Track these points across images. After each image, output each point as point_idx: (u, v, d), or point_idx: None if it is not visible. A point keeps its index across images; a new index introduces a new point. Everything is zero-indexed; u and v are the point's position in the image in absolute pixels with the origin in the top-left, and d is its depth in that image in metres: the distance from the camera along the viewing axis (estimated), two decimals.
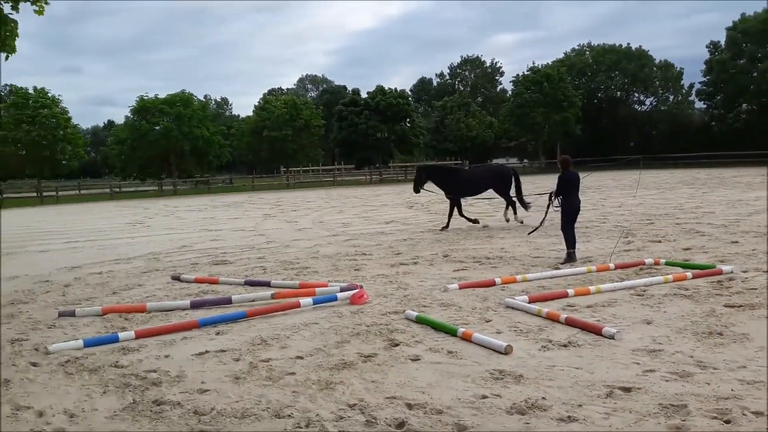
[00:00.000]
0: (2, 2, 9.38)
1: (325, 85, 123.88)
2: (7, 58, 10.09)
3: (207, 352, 7.02)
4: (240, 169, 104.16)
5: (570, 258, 11.98)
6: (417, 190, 19.15)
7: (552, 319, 7.72)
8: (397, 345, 6.99)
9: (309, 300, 9.01)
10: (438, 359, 6.46)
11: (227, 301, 9.37)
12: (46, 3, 9.69)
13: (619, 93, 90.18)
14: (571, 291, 9.08)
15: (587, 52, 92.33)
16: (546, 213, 12.89)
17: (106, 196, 54.41)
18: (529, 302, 8.51)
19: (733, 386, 5.40)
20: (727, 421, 4.73)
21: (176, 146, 65.00)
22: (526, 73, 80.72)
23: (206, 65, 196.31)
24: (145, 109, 65.52)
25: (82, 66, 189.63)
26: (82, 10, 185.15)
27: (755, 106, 73.03)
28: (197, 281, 11.44)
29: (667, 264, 11.20)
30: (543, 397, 5.31)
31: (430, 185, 19.22)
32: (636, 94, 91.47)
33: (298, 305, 8.82)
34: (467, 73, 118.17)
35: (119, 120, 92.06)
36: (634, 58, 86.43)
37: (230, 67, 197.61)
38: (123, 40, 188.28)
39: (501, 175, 19.27)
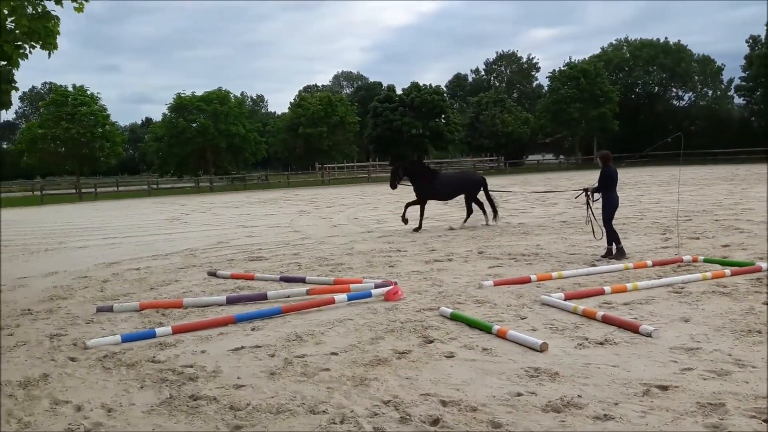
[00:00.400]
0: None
1: (360, 82, 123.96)
2: (49, 55, 10.26)
3: (243, 347, 7.08)
4: (275, 166, 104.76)
5: (621, 253, 11.86)
6: (394, 186, 18.54)
7: (588, 316, 7.65)
8: (431, 342, 6.98)
9: (344, 296, 9.04)
10: (472, 356, 6.44)
11: (263, 297, 9.43)
12: (86, 0, 9.82)
13: (656, 88, 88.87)
14: (607, 288, 9.00)
15: (624, 47, 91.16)
16: (590, 208, 12.71)
17: (143, 193, 55.09)
18: (565, 299, 8.44)
19: None
20: (766, 420, 4.65)
21: (213, 143, 65.53)
22: (562, 68, 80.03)
23: (242, 63, 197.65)
24: (182, 106, 66.14)
25: (121, 64, 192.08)
26: (120, 9, 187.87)
27: None
28: (233, 277, 11.55)
29: (705, 261, 11.05)
30: (579, 395, 5.27)
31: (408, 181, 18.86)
32: (674, 90, 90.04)
33: (332, 301, 8.86)
34: (503, 69, 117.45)
35: (157, 117, 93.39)
36: (672, 52, 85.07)
37: (266, 65, 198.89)
38: (160, 39, 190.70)
39: (472, 181, 19.09)
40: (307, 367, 6.31)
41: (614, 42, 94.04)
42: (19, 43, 9.86)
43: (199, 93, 67.55)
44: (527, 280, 9.93)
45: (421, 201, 18.43)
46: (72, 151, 61.74)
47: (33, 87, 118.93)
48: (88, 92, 63.67)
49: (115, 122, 68.21)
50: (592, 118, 75.73)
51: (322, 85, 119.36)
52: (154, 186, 60.32)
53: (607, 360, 6.14)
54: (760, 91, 74.91)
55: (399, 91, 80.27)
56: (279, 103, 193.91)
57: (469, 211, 18.80)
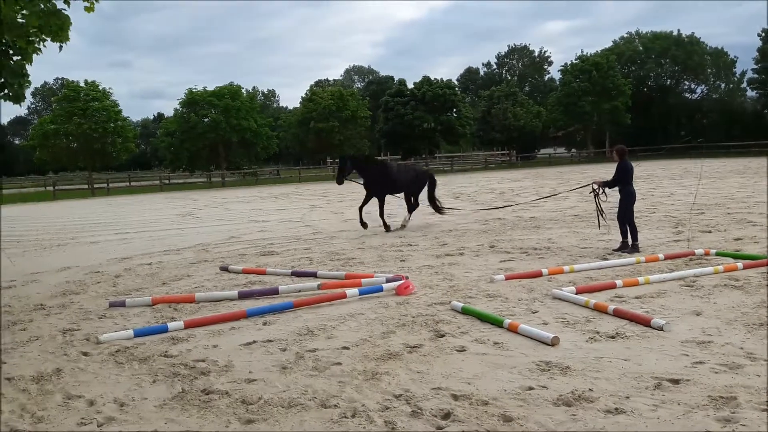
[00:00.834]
0: None
1: (371, 77, 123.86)
2: (60, 48, 10.30)
3: (254, 342, 7.11)
4: (287, 161, 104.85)
5: (635, 249, 11.82)
6: (340, 181, 17.32)
7: (600, 310, 7.63)
8: (442, 336, 6.98)
9: (355, 291, 9.05)
10: (484, 350, 6.44)
11: (274, 292, 9.46)
12: (96, 0, 9.85)
13: (669, 81, 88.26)
14: (619, 282, 8.97)
15: (636, 40, 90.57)
16: (599, 204, 12.68)
17: (155, 188, 55.25)
18: (577, 293, 8.42)
19: None
20: None
21: (224, 138, 65.71)
22: (574, 61, 79.64)
23: (254, 58, 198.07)
24: (194, 101, 66.32)
25: (132, 60, 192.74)
26: (131, 6, 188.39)
27: None
28: (245, 272, 11.58)
29: (717, 254, 10.99)
30: (590, 389, 5.26)
31: (358, 177, 17.75)
32: (686, 83, 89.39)
33: (344, 296, 8.87)
34: (515, 63, 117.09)
35: (169, 112, 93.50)
36: (685, 45, 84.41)
37: (277, 60, 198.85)
38: (171, 35, 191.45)
39: (422, 177, 18.18)
40: (318, 361, 6.33)
41: (625, 35, 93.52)
42: (31, 38, 9.91)
43: (210, 88, 67.72)
44: (539, 274, 9.92)
45: (374, 197, 17.39)
46: (84, 146, 62.04)
47: (45, 82, 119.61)
48: (100, 88, 63.90)
49: (127, 118, 68.54)
50: (604, 111, 75.30)
51: (334, 80, 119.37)
52: (166, 181, 60.50)
53: (619, 354, 6.12)
54: None
55: (410, 86, 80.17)
56: (290, 97, 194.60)
57: (416, 205, 18.03)
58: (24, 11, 9.23)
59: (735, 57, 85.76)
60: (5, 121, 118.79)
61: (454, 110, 79.11)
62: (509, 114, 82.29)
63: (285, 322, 7.93)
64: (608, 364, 5.86)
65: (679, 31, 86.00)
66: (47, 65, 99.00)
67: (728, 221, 15.36)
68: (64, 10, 9.82)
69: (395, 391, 5.45)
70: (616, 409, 4.86)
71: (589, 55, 79.49)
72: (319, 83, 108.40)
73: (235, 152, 69.47)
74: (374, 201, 17.48)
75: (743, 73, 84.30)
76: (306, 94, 78.92)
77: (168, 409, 5.35)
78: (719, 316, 7.28)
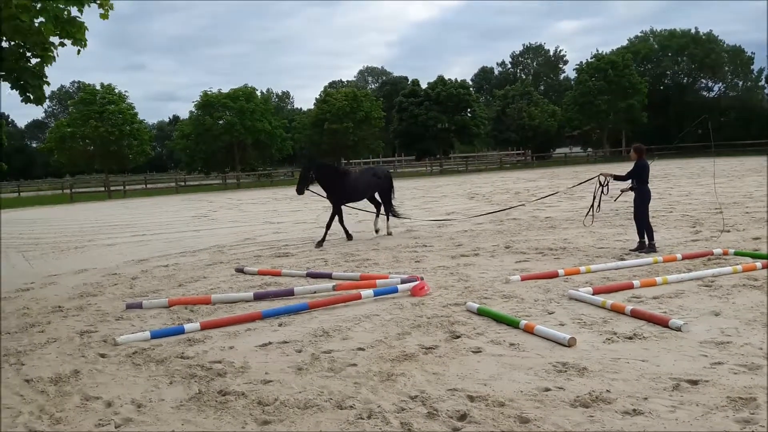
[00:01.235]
0: (69, 5, 9.66)
1: (384, 77, 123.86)
2: (79, 52, 10.42)
3: (270, 343, 7.12)
4: (302, 162, 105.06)
5: (652, 248, 11.75)
6: (301, 191, 15.79)
7: (617, 310, 7.58)
8: (458, 337, 6.96)
9: (370, 292, 9.04)
10: (500, 351, 6.41)
11: (290, 293, 9.47)
12: (111, 8, 9.95)
13: (685, 79, 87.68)
14: (636, 282, 8.91)
15: (651, 38, 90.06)
16: (599, 197, 12.61)
17: (171, 190, 55.55)
18: (594, 294, 8.37)
19: None
20: None
21: (239, 140, 65.94)
22: (590, 60, 79.32)
23: (267, 60, 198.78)
24: (208, 103, 66.57)
25: (147, 63, 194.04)
26: (145, 8, 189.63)
27: None
28: (260, 273, 11.61)
29: (736, 254, 10.90)
30: (607, 390, 5.22)
31: (317, 186, 16.20)
32: (703, 80, 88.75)
33: (359, 297, 8.87)
34: (529, 62, 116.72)
35: (184, 115, 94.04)
36: (702, 42, 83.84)
37: (291, 61, 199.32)
38: (185, 37, 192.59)
39: (386, 178, 16.87)
40: (334, 362, 6.33)
41: (640, 34, 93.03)
42: (46, 45, 10.03)
43: (225, 90, 67.96)
44: (555, 275, 9.87)
45: (337, 208, 16.13)
46: (101, 149, 62.46)
47: (62, 86, 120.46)
48: (116, 91, 64.32)
49: (142, 120, 68.90)
50: (620, 110, 74.98)
51: (347, 81, 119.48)
52: (182, 183, 60.84)
53: (636, 354, 6.08)
54: None
55: (424, 86, 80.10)
56: (305, 99, 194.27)
57: (389, 212, 16.82)
58: (41, 18, 9.34)
59: (752, 53, 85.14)
60: (23, 124, 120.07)
61: (469, 110, 78.94)
62: (524, 113, 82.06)
63: (300, 323, 7.94)
64: (626, 365, 5.82)
65: (696, 28, 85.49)
66: (64, 69, 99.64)
67: (747, 220, 15.23)
68: (78, 17, 9.94)
69: (411, 392, 5.44)
70: (634, 410, 4.83)
71: (604, 53, 79.16)
72: (333, 84, 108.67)
73: (250, 154, 69.71)
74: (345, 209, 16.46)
75: (761, 71, 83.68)
76: (320, 95, 79.10)
77: (185, 410, 5.36)
78: (738, 316, 7.21)
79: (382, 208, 16.82)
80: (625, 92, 74.75)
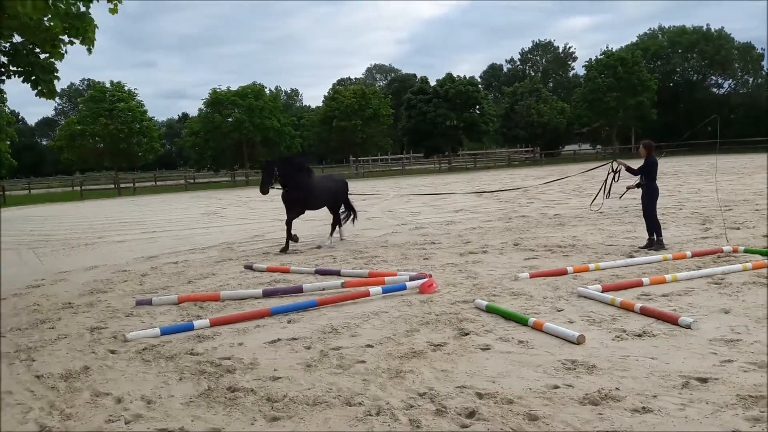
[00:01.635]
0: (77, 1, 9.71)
1: (392, 74, 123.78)
2: (89, 51, 10.47)
3: (279, 340, 7.13)
4: (310, 159, 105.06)
5: (660, 245, 11.71)
6: (266, 190, 14.29)
7: (626, 308, 7.56)
8: (466, 334, 6.96)
9: (378, 289, 9.05)
10: (508, 349, 6.40)
11: (298, 290, 9.49)
12: (119, 2, 9.97)
13: (695, 76, 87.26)
14: (646, 280, 8.89)
15: (659, 35, 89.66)
16: (610, 183, 12.53)
17: (180, 188, 55.67)
18: (603, 291, 8.35)
19: None
20: None
21: (248, 137, 66.01)
22: (599, 57, 79.06)
23: (276, 57, 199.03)
24: (217, 101, 66.66)
25: (156, 60, 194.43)
26: (154, 6, 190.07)
27: None
28: (269, 270, 11.63)
29: (745, 251, 10.85)
30: (616, 388, 5.21)
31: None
32: (713, 77, 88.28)
33: (367, 294, 8.88)
34: (538, 59, 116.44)
35: (193, 112, 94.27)
36: (712, 39, 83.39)
37: (300, 59, 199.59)
38: (195, 35, 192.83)
39: (345, 184, 16.07)
40: (342, 359, 6.34)
41: (648, 31, 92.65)
42: (56, 42, 10.07)
43: (234, 88, 68.05)
44: (564, 272, 9.85)
45: (297, 210, 14.69)
46: (110, 146, 62.66)
47: (72, 83, 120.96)
48: (126, 88, 64.48)
49: (152, 118, 69.03)
50: (630, 107, 74.72)
51: (356, 78, 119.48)
52: (191, 180, 60.95)
53: (646, 352, 6.06)
54: None
55: (433, 83, 79.98)
56: (313, 96, 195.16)
57: (339, 219, 15.79)
58: (48, 15, 9.38)
59: (761, 49, 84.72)
60: (33, 121, 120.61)
61: (477, 107, 78.79)
62: (533, 110, 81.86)
63: (309, 320, 7.95)
64: (635, 362, 5.81)
65: (708, 25, 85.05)
66: (73, 67, 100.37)
67: (757, 218, 15.17)
68: (87, 13, 9.98)
69: (419, 389, 5.44)
70: (644, 408, 4.82)
71: (614, 50, 78.87)
72: (341, 82, 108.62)
73: (259, 151, 69.71)
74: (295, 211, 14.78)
75: None
76: (328, 92, 79.08)
77: (194, 406, 5.38)
78: (748, 313, 7.18)
79: (343, 216, 15.86)
80: (634, 89, 74.48)
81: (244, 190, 48.71)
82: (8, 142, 43.90)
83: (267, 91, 71.48)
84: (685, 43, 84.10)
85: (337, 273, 10.77)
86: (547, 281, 9.37)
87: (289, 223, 14.40)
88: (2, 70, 10.53)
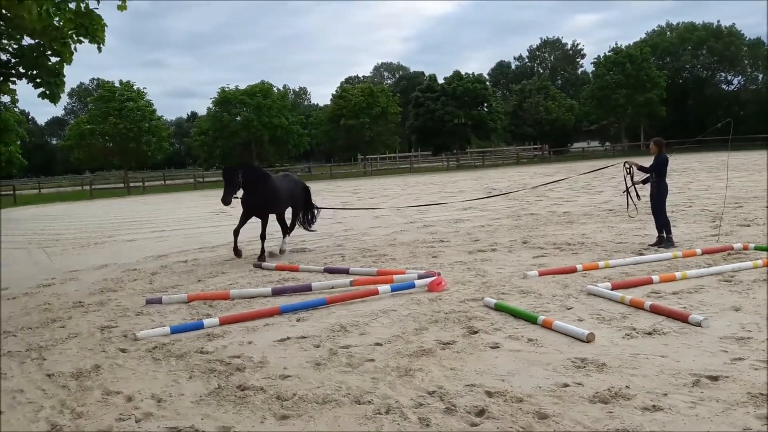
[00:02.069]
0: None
1: (400, 72, 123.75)
2: (99, 49, 10.51)
3: (288, 338, 7.14)
4: (318, 158, 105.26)
5: (670, 243, 11.68)
6: (227, 201, 13.02)
7: (636, 306, 7.54)
8: (475, 332, 6.95)
9: (387, 287, 9.06)
10: (518, 347, 6.40)
11: (307, 289, 9.50)
12: None
13: (705, 73, 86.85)
14: (656, 277, 8.86)
15: (668, 32, 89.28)
16: (633, 185, 12.43)
17: (189, 186, 55.72)
18: (612, 289, 8.33)
19: None
20: None
21: (256, 136, 66.17)
22: (608, 53, 78.82)
23: (284, 56, 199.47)
24: (226, 100, 66.91)
25: (165, 59, 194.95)
26: (162, 5, 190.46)
27: None
28: (278, 269, 11.65)
29: (756, 249, 10.80)
30: (627, 386, 5.20)
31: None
32: (723, 74, 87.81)
33: (376, 292, 8.89)
34: (547, 56, 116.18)
35: (202, 111, 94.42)
36: (722, 36, 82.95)
37: (308, 58, 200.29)
38: (203, 34, 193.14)
39: (305, 185, 14.96)
40: (351, 357, 6.34)
41: (657, 28, 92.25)
42: (67, 40, 10.11)
43: (242, 87, 68.21)
44: (573, 270, 9.83)
45: (259, 216, 13.77)
46: (120, 146, 62.97)
47: (81, 83, 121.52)
48: (135, 88, 64.75)
49: (161, 117, 69.32)
50: (639, 104, 74.48)
51: (364, 77, 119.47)
52: (200, 179, 61.00)
53: (656, 350, 6.05)
54: None
55: (441, 81, 79.95)
56: (321, 95, 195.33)
57: (293, 227, 14.82)
58: (57, 15, 9.42)
59: None
60: (43, 121, 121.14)
61: (485, 105, 78.76)
62: (541, 108, 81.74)
63: (318, 318, 7.96)
64: (645, 360, 5.79)
65: (718, 21, 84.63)
66: (83, 66, 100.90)
67: (767, 214, 15.08)
68: (96, 9, 10.01)
69: (429, 387, 5.44)
70: (654, 406, 4.80)
71: (622, 47, 78.61)
72: (349, 80, 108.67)
73: (267, 150, 69.93)
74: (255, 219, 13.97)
75: None
76: (336, 91, 79.19)
77: (204, 404, 5.40)
78: (758, 311, 7.15)
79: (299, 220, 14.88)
80: (643, 86, 74.25)
81: None
82: (19, 142, 44.18)
83: (275, 89, 71.62)
84: (694, 40, 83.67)
85: (346, 271, 10.78)
86: (557, 279, 9.35)
87: (263, 227, 13.66)
88: (12, 72, 10.59)
